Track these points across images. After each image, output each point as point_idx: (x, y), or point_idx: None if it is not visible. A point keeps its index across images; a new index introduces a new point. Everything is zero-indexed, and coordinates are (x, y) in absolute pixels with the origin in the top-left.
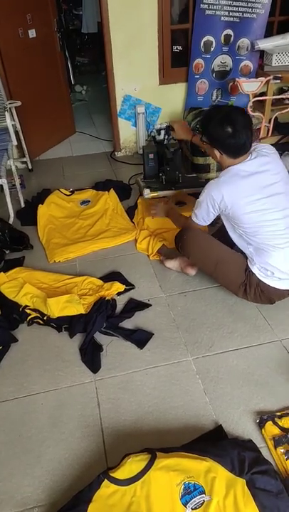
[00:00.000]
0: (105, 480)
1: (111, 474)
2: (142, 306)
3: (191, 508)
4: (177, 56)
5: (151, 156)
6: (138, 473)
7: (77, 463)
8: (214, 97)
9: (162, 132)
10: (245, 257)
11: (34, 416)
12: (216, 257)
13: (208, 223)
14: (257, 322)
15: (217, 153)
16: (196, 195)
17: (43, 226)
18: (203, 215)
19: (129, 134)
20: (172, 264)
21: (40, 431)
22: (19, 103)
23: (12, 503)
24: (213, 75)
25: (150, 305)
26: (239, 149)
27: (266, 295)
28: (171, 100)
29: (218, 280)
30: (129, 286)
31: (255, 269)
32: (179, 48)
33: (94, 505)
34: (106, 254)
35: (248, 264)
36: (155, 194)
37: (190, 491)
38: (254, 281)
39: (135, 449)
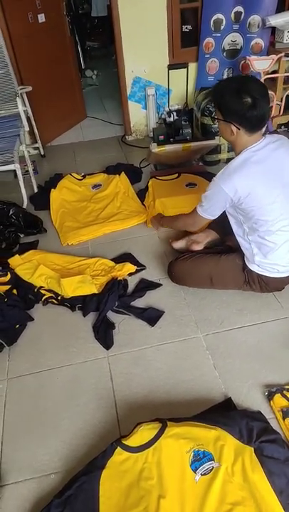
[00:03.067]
0: (118, 447)
1: (123, 442)
2: (153, 285)
3: (201, 474)
4: (187, 36)
5: (161, 137)
6: (149, 441)
7: (91, 432)
8: (225, 76)
9: (173, 114)
10: (241, 254)
11: (50, 389)
12: (207, 274)
13: (216, 217)
14: (267, 299)
15: (233, 129)
16: (206, 176)
17: (56, 210)
18: (212, 209)
19: (140, 117)
20: (179, 244)
21: (56, 403)
22: (30, 88)
23: (30, 470)
24: (224, 53)
25: (161, 285)
26: (260, 121)
27: (271, 285)
28: (181, 81)
29: (220, 289)
30: (141, 266)
31: (253, 267)
32: (189, 27)
33: (107, 471)
34: (117, 236)
35: (246, 262)
36: (162, 148)
37: (199, 458)
38: (255, 277)
39: (147, 420)
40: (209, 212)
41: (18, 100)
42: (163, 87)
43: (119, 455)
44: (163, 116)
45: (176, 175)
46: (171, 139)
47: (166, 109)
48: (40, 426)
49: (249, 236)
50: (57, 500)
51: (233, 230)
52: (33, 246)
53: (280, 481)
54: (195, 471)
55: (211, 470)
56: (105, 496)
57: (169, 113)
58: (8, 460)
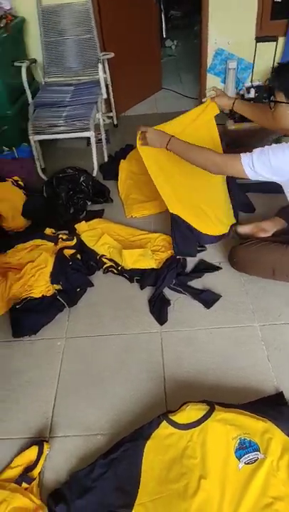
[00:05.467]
0: (164, 421)
1: (170, 417)
2: (212, 268)
3: (244, 463)
4: (278, 7)
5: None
6: (196, 421)
7: (139, 401)
8: None
9: (252, 90)
10: None
11: (103, 354)
12: (270, 265)
13: (254, 179)
14: None
15: None
16: None
17: (123, 181)
18: (263, 172)
19: None
20: (245, 229)
21: (108, 368)
22: (112, 55)
23: (79, 428)
24: None
25: (220, 268)
26: None
27: None
28: (266, 56)
29: (282, 281)
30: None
31: None
32: None
33: (151, 442)
34: None
35: None
36: (240, 126)
37: (245, 447)
38: None
39: (194, 399)
40: (257, 170)
41: (100, 67)
42: (245, 60)
43: (164, 429)
44: (242, 92)
45: None
46: None
47: (247, 84)
48: (92, 387)
49: None
50: (102, 461)
51: None
52: (98, 214)
53: None
54: (239, 458)
55: (256, 461)
56: (147, 465)
57: (249, 89)
58: (60, 414)
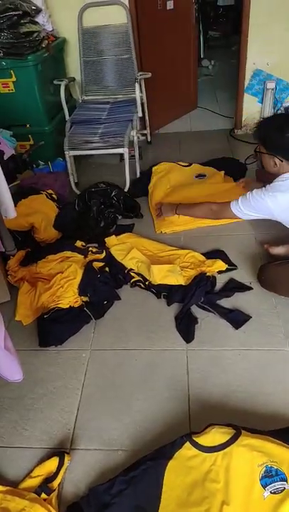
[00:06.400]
0: (187, 442)
1: (194, 438)
2: (243, 288)
3: (270, 492)
4: None
5: None
6: (221, 444)
7: (162, 420)
8: None
9: None
10: None
11: (127, 369)
12: None
13: (246, 219)
14: None
15: (276, 161)
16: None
17: (154, 197)
18: (248, 212)
19: (254, 110)
20: (279, 250)
21: (131, 383)
22: (149, 75)
23: (100, 442)
24: None
25: (251, 288)
26: None
27: None
28: None
29: None
30: (232, 266)
31: None
32: None
33: (174, 462)
34: (211, 231)
35: None
36: None
37: (271, 475)
38: None
39: (219, 422)
40: (244, 211)
41: (137, 86)
42: (285, 81)
43: (187, 450)
44: (279, 112)
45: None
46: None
47: (285, 104)
48: (115, 401)
49: None
50: (122, 478)
51: None
52: (128, 229)
53: None
54: (264, 487)
55: (283, 491)
56: (168, 486)
57: (287, 109)
58: (82, 426)
